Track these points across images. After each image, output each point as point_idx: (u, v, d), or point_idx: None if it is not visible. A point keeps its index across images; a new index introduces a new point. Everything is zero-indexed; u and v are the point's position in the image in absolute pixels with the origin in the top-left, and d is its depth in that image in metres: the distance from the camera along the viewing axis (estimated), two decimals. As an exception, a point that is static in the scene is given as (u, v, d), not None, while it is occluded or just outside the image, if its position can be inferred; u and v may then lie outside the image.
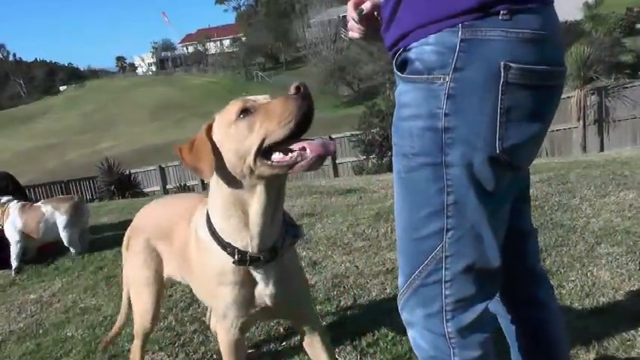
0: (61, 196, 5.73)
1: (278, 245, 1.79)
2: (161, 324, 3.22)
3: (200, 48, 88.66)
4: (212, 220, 1.80)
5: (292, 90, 1.56)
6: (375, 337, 2.75)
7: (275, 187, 1.69)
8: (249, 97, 1.70)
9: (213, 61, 78.13)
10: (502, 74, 1.30)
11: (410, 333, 1.57)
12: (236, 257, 1.74)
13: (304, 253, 4.18)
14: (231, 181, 1.67)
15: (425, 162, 1.39)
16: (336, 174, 16.93)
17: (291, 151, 1.57)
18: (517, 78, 1.31)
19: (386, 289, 3.36)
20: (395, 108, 1.48)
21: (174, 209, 2.32)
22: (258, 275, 1.82)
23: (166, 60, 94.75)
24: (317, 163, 1.55)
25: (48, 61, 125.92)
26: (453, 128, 1.35)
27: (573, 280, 3.13)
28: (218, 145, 1.66)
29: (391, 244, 4.12)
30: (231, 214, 1.73)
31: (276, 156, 1.58)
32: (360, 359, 2.58)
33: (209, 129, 1.70)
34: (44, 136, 59.71)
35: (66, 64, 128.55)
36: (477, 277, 1.45)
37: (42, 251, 5.37)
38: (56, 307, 3.96)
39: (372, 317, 2.99)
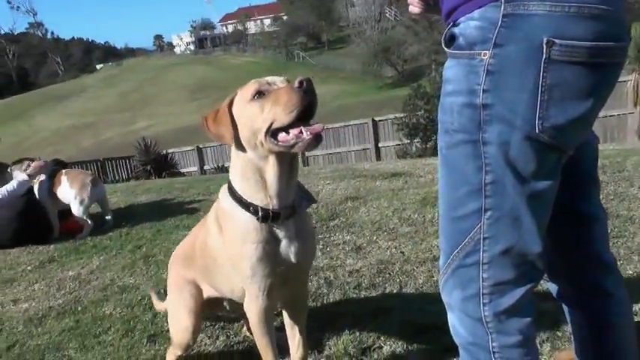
0: (79, 170, 5.86)
1: (296, 204, 2.00)
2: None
3: (240, 27, 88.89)
4: (234, 186, 2.01)
5: (296, 84, 1.76)
6: (423, 327, 2.67)
7: (287, 158, 1.91)
8: (266, 79, 1.92)
9: (253, 41, 78.25)
10: (544, 50, 1.26)
11: (449, 318, 1.56)
12: (260, 213, 1.93)
13: (348, 237, 4.12)
14: (248, 148, 1.91)
15: (464, 139, 1.38)
16: (378, 158, 16.81)
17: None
18: (561, 54, 1.26)
19: (433, 276, 3.28)
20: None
21: (193, 233, 2.52)
22: (280, 233, 2.00)
23: (205, 39, 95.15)
24: (311, 144, 1.77)
25: (85, 39, 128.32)
26: (490, 105, 1.32)
27: (631, 274, 3.01)
28: (236, 118, 1.92)
29: (438, 231, 4.01)
30: (250, 177, 1.95)
31: (282, 136, 1.82)
32: (406, 349, 2.51)
33: (231, 102, 1.95)
34: (80, 115, 60.79)
35: (103, 43, 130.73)
36: (516, 261, 1.42)
37: (68, 231, 5.43)
38: (94, 284, 3.99)
39: (419, 306, 2.92)
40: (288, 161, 1.93)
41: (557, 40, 1.26)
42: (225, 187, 2.08)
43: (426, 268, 3.41)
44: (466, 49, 1.36)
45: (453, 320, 1.54)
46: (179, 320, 2.44)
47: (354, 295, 3.15)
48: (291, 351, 2.32)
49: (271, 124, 1.80)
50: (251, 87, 1.89)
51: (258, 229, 1.97)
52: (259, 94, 1.85)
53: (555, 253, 1.64)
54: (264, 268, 1.99)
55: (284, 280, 2.09)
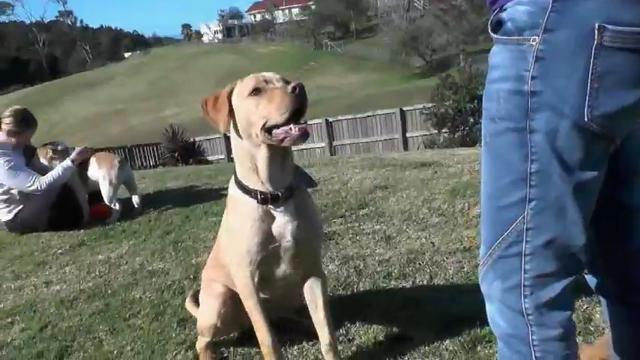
0: (107, 153, 5.92)
1: (294, 186, 2.14)
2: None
3: (268, 16, 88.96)
4: (237, 174, 2.16)
5: (289, 89, 1.91)
6: (454, 318, 2.64)
7: (279, 148, 2.03)
8: (264, 75, 2.06)
9: (281, 30, 78.28)
10: (595, 36, 1.21)
11: (488, 309, 1.53)
12: (259, 196, 2.08)
13: (378, 227, 4.09)
14: (244, 137, 2.06)
15: (510, 127, 1.34)
16: (405, 148, 16.74)
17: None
18: (613, 41, 1.21)
19: (463, 267, 3.24)
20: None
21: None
22: (278, 213, 2.12)
23: (233, 28, 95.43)
24: (299, 139, 1.95)
25: (113, 28, 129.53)
26: (539, 92, 1.29)
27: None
28: (234, 109, 2.06)
29: (468, 222, 3.99)
30: (245, 162, 2.10)
31: (275, 131, 1.97)
32: (437, 340, 2.48)
33: (231, 92, 2.09)
34: (108, 102, 61.43)
35: (131, 32, 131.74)
36: (559, 253, 1.38)
37: (97, 216, 5.48)
38: (124, 268, 4.02)
39: (450, 297, 2.88)
40: (280, 150, 2.06)
41: (608, 26, 1.21)
42: (232, 177, 2.22)
43: (456, 259, 3.37)
44: (514, 35, 1.32)
45: (492, 311, 1.52)
46: (204, 307, 2.56)
47: (384, 285, 3.12)
48: (319, 337, 2.32)
49: (265, 124, 1.96)
50: (249, 83, 2.03)
51: (255, 209, 2.11)
52: (256, 90, 1.99)
53: (596, 245, 1.60)
54: (258, 245, 2.12)
55: (284, 257, 2.18)
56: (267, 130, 1.97)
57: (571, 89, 1.26)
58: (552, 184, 1.33)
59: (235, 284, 2.27)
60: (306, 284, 2.33)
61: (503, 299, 1.46)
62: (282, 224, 2.13)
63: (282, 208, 2.12)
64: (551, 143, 1.30)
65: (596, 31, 1.22)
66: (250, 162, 2.08)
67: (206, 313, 2.53)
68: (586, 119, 1.27)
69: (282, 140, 1.96)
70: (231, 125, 2.09)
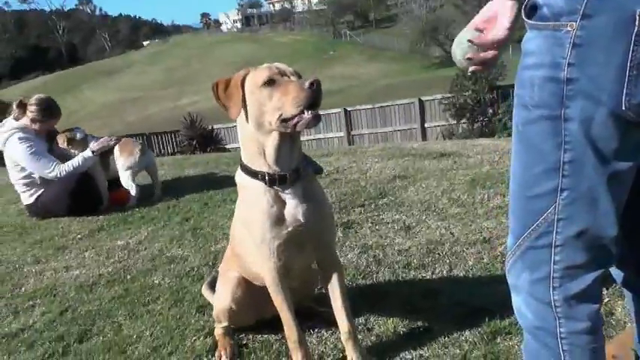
0: (128, 139, 5.94)
1: (300, 168, 2.14)
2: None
3: (287, 5, 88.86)
4: (243, 161, 2.17)
5: (307, 85, 1.92)
6: (473, 309, 2.62)
7: (288, 134, 2.05)
8: (277, 66, 2.08)
9: (300, 19, 78.14)
10: (636, 23, 1.17)
11: (514, 300, 1.51)
12: (266, 178, 2.08)
13: (397, 216, 4.07)
14: (253, 123, 2.06)
15: (543, 114, 1.31)
16: (424, 138, 16.66)
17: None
18: None
19: (483, 259, 3.21)
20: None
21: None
22: (288, 196, 2.12)
23: (252, 17, 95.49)
24: (311, 123, 1.96)
25: (132, 16, 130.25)
26: (575, 80, 1.25)
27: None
28: (247, 96, 2.06)
29: (488, 212, 3.95)
30: (252, 147, 2.11)
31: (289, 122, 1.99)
32: (456, 331, 2.46)
33: (244, 79, 2.08)
34: (127, 90, 61.80)
35: (150, 20, 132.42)
36: (590, 244, 1.36)
37: (117, 202, 5.53)
38: (143, 254, 4.03)
39: (469, 288, 2.86)
40: (289, 136, 2.07)
41: None
42: (239, 166, 2.24)
43: (476, 250, 3.35)
44: (551, 20, 1.28)
45: (519, 303, 1.50)
46: (218, 293, 2.59)
47: (403, 275, 3.10)
48: (339, 325, 2.32)
49: (280, 116, 1.97)
50: (263, 73, 2.04)
51: (265, 194, 2.11)
52: (271, 81, 2.00)
53: (625, 238, 1.57)
54: (272, 230, 2.12)
55: (299, 243, 2.19)
56: (283, 120, 1.99)
57: (609, 77, 1.23)
58: (586, 174, 1.30)
59: (265, 281, 2.26)
60: (324, 274, 2.34)
61: (532, 291, 1.44)
62: (293, 207, 2.13)
63: (290, 190, 2.12)
64: (586, 132, 1.27)
65: (637, 17, 1.18)
66: (257, 147, 2.09)
67: (220, 298, 2.55)
68: (623, 108, 1.23)
69: (295, 125, 1.97)
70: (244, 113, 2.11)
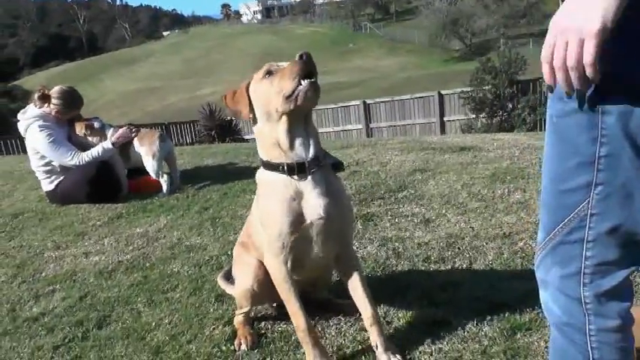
0: (147, 129, 5.96)
1: (320, 157, 2.17)
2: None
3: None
4: (260, 156, 2.23)
5: (297, 57, 2.03)
6: (493, 304, 2.60)
7: (299, 118, 2.12)
8: (276, 62, 2.19)
9: (321, 11, 77.89)
10: None
11: (542, 295, 1.49)
12: (285, 168, 2.13)
13: (417, 210, 4.05)
14: (263, 118, 2.16)
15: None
16: (442, 131, 16.57)
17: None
18: None
19: (503, 254, 3.18)
20: None
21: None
22: (307, 188, 2.14)
23: (272, 9, 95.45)
24: (310, 90, 2.01)
25: (152, 6, 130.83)
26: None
27: None
28: (252, 96, 2.19)
29: (508, 207, 3.92)
30: (268, 141, 2.17)
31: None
32: (476, 325, 2.44)
33: (248, 85, 2.22)
34: (146, 80, 62.10)
35: (170, 10, 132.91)
36: (623, 241, 1.32)
37: (137, 190, 5.57)
38: (162, 242, 4.05)
39: (489, 283, 2.83)
40: (299, 119, 2.12)
41: None
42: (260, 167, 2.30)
43: (496, 244, 3.32)
44: None
45: (547, 298, 1.48)
46: (238, 276, 2.62)
47: (423, 268, 3.09)
48: (361, 312, 2.33)
49: (283, 94, 2.05)
50: (263, 69, 2.17)
51: (286, 186, 2.15)
52: (269, 73, 2.13)
53: None
54: (290, 224, 2.15)
55: (318, 240, 2.20)
56: (285, 99, 2.07)
57: None
58: (621, 169, 1.26)
59: (269, 271, 2.31)
60: (341, 267, 2.37)
61: (561, 286, 1.42)
62: (313, 200, 2.15)
63: (311, 181, 2.14)
64: (624, 126, 1.23)
65: None
66: (272, 139, 2.15)
67: (242, 281, 2.56)
68: None
69: (297, 98, 2.03)
70: (253, 116, 2.22)
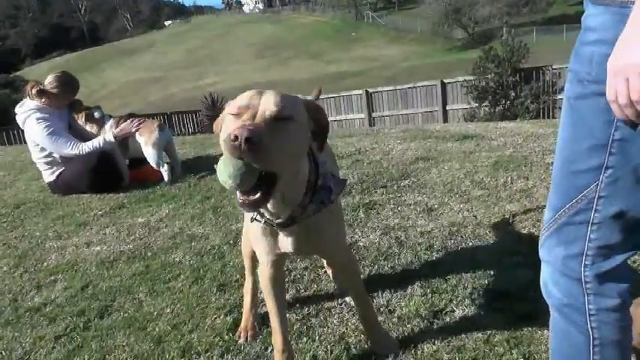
0: (148, 120, 5.93)
1: (296, 215, 1.85)
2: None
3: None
4: None
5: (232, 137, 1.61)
6: (496, 293, 2.60)
7: None
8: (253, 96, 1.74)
9: (323, 0, 77.59)
10: None
11: (543, 276, 1.50)
12: (262, 220, 1.89)
13: (419, 198, 4.03)
14: None
15: (599, 90, 1.26)
16: (445, 120, 16.53)
17: None
18: None
19: (506, 242, 3.17)
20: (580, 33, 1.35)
21: None
22: (281, 232, 1.96)
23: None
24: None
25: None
26: None
27: None
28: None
29: (511, 195, 3.90)
30: None
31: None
32: (479, 314, 2.43)
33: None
34: (148, 70, 62.01)
35: (171, 0, 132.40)
36: (627, 225, 1.34)
37: (138, 180, 5.55)
38: (164, 232, 4.03)
39: (492, 271, 2.82)
40: None
41: None
42: None
43: (499, 233, 3.31)
44: None
45: (547, 279, 1.49)
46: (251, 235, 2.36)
47: (426, 257, 3.07)
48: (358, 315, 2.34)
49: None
50: (236, 102, 1.78)
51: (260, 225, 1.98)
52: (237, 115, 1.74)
53: None
54: (267, 251, 2.06)
55: (296, 256, 2.20)
56: None
57: None
58: (633, 154, 1.27)
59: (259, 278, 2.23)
60: (338, 274, 2.43)
61: (562, 267, 1.43)
62: (284, 239, 1.97)
63: (286, 230, 1.93)
64: None
65: None
66: None
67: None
68: None
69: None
70: None
